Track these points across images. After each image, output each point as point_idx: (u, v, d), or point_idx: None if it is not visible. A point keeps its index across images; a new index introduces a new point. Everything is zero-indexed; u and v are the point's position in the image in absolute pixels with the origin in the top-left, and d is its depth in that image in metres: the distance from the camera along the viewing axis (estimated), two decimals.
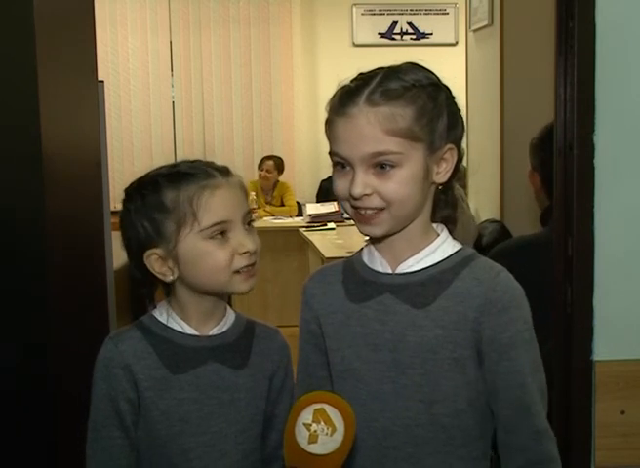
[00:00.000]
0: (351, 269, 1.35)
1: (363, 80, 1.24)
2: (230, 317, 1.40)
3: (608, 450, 1.89)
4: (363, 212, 1.24)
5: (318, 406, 1.13)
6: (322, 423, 1.12)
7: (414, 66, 1.27)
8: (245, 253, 1.30)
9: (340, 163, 1.25)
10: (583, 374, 1.89)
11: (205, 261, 1.30)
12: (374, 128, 1.19)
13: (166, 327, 1.35)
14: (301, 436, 1.12)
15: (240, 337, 1.39)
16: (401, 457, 1.26)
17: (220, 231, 1.30)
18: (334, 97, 1.26)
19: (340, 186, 1.25)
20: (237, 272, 1.31)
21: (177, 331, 1.35)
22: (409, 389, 1.25)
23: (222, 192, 1.31)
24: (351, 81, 1.26)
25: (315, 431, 1.12)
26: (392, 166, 1.21)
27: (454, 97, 1.29)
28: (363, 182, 1.21)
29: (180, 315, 1.36)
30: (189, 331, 1.35)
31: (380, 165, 1.21)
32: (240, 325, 1.41)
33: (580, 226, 1.87)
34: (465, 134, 1.33)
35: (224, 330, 1.38)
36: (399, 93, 1.21)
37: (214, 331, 1.37)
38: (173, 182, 1.32)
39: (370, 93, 1.20)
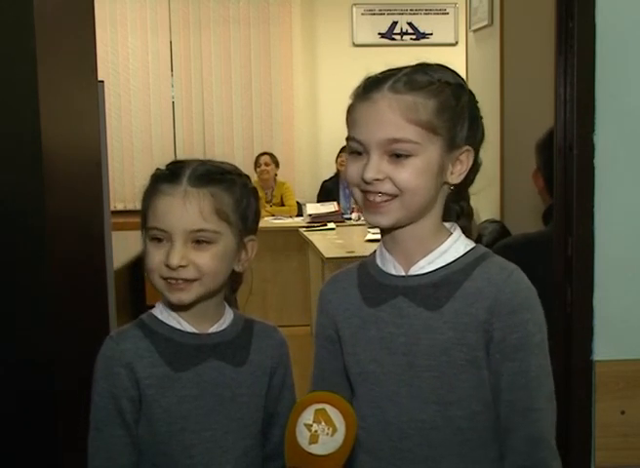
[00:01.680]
0: (366, 273, 1.35)
1: (390, 72, 1.25)
2: (229, 315, 1.41)
3: (608, 450, 1.89)
4: (372, 198, 1.23)
5: (319, 406, 1.13)
6: (323, 423, 1.12)
7: (443, 67, 1.28)
8: (167, 265, 1.30)
9: (355, 151, 1.24)
10: (583, 374, 1.89)
11: (146, 258, 1.33)
12: (395, 114, 1.20)
13: (165, 325, 1.36)
14: (302, 436, 1.12)
15: (239, 335, 1.40)
16: (417, 460, 1.26)
17: (156, 237, 1.31)
18: (359, 85, 1.26)
19: (353, 171, 1.24)
20: (165, 280, 1.32)
21: (176, 328, 1.36)
22: (424, 391, 1.25)
23: (170, 201, 1.30)
24: (379, 73, 1.26)
25: (316, 431, 1.12)
26: (407, 155, 1.20)
27: (477, 102, 1.30)
28: (376, 167, 1.21)
29: (178, 313, 1.37)
30: (189, 328, 1.36)
31: (396, 153, 1.21)
32: (238, 323, 1.41)
33: (579, 226, 1.87)
34: None
35: (224, 327, 1.39)
36: (423, 84, 1.22)
37: (213, 329, 1.37)
38: (154, 178, 1.35)
39: (395, 82, 1.22)
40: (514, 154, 3.65)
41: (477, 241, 1.36)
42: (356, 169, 1.24)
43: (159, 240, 1.31)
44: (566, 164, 1.90)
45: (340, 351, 1.35)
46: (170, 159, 1.40)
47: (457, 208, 1.33)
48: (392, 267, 1.30)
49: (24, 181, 1.90)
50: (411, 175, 1.21)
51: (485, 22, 4.13)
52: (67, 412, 1.98)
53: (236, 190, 1.34)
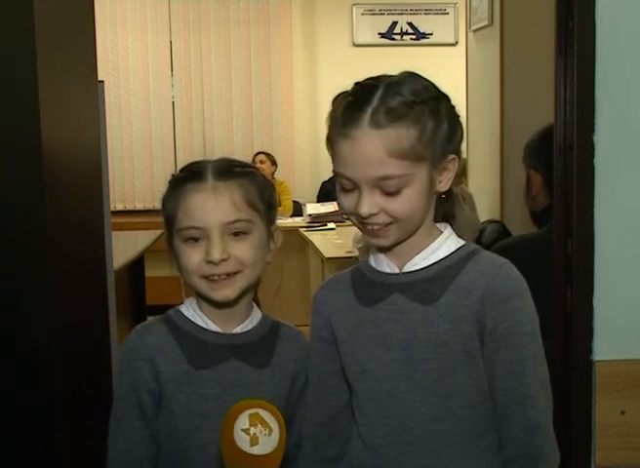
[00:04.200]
0: (359, 274, 1.37)
1: (363, 94, 1.23)
2: (256, 316, 1.42)
3: (608, 450, 1.89)
4: (370, 227, 1.26)
5: (252, 411, 1.18)
6: (259, 426, 1.17)
7: (411, 76, 1.27)
8: (209, 262, 1.30)
9: (345, 187, 1.26)
10: (583, 374, 1.89)
11: (182, 260, 1.33)
12: (378, 151, 1.20)
13: (191, 322, 1.37)
14: (242, 441, 1.17)
15: (264, 337, 1.40)
16: (418, 452, 1.27)
17: (192, 236, 1.31)
18: (334, 111, 1.26)
19: (348, 204, 1.27)
20: (207, 278, 1.32)
21: (201, 326, 1.37)
22: (423, 384, 1.27)
23: (201, 197, 1.31)
24: (350, 93, 1.25)
25: (255, 434, 1.17)
26: (398, 187, 1.22)
27: (452, 104, 1.30)
28: (370, 203, 1.23)
29: (204, 312, 1.38)
30: (213, 327, 1.37)
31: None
32: (265, 325, 1.42)
33: (580, 226, 1.88)
34: (465, 134, 1.34)
35: (249, 328, 1.39)
36: (402, 112, 1.20)
37: (238, 330, 1.38)
38: (174, 181, 1.36)
39: (373, 113, 1.20)
40: (514, 154, 3.64)
41: (477, 241, 1.37)
42: (350, 203, 1.26)
43: (195, 239, 1.31)
44: (566, 164, 1.90)
45: (337, 352, 1.36)
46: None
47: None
48: (386, 266, 1.32)
49: (24, 181, 1.90)
50: (405, 206, 1.23)
51: (485, 22, 4.13)
52: (68, 412, 1.98)
53: (258, 180, 1.37)
